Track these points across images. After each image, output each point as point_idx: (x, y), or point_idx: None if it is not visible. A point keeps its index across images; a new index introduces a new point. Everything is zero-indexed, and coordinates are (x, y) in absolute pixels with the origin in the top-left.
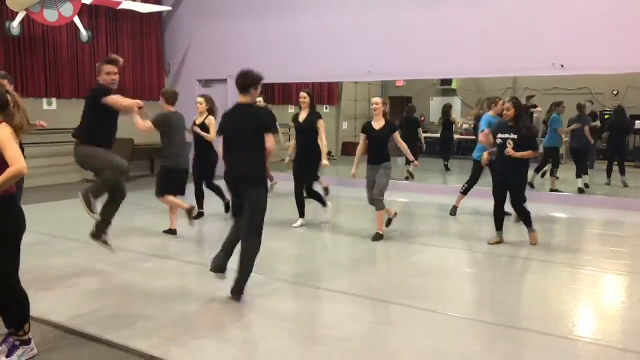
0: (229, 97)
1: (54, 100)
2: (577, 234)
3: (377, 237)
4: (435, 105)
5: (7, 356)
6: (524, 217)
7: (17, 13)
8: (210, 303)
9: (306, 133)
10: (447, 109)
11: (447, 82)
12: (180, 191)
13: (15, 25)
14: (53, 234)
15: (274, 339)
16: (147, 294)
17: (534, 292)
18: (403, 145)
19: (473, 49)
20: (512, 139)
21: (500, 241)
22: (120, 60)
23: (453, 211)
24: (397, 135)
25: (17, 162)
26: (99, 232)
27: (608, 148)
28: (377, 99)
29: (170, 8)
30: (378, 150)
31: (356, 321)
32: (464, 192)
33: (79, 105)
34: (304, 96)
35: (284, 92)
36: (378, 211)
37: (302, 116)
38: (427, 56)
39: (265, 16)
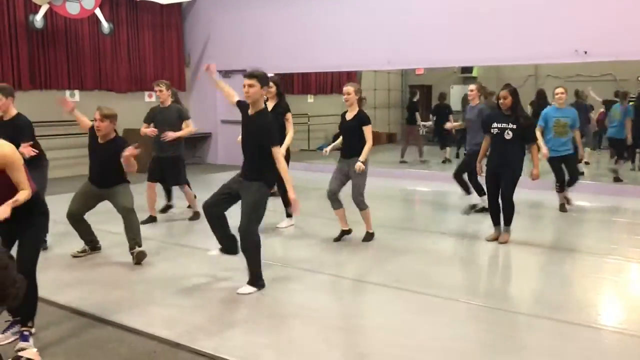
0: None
1: (76, 92)
2: (601, 223)
3: (368, 236)
4: (455, 94)
5: (22, 340)
6: (510, 213)
7: (40, 6)
8: (235, 291)
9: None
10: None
11: (467, 70)
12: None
13: (38, 18)
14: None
15: (303, 329)
16: (172, 282)
17: (557, 281)
18: (368, 144)
19: (494, 36)
20: (511, 129)
21: (498, 237)
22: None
23: (563, 207)
24: (366, 129)
25: (28, 186)
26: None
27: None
28: (349, 88)
29: None
30: (350, 143)
31: (383, 311)
32: (560, 188)
33: (101, 97)
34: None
35: (304, 82)
36: (362, 211)
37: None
38: (447, 44)
39: (285, 6)
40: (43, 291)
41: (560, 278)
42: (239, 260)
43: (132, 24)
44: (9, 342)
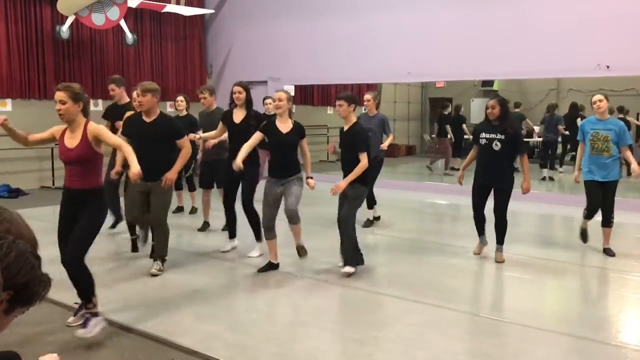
0: None
1: (100, 101)
2: (624, 239)
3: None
4: (476, 107)
5: (83, 327)
6: (503, 229)
7: (67, 17)
8: (253, 301)
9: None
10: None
11: (488, 83)
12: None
13: (65, 29)
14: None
15: (316, 338)
16: (189, 290)
17: (577, 297)
18: (307, 156)
19: (515, 49)
20: (499, 140)
21: (482, 248)
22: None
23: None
24: (304, 142)
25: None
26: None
27: None
28: (281, 94)
29: (213, 11)
30: (285, 160)
31: (396, 322)
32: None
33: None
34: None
35: (323, 94)
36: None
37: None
38: (468, 57)
39: (305, 18)
40: (57, 295)
41: (580, 294)
42: (256, 267)
43: (155, 35)
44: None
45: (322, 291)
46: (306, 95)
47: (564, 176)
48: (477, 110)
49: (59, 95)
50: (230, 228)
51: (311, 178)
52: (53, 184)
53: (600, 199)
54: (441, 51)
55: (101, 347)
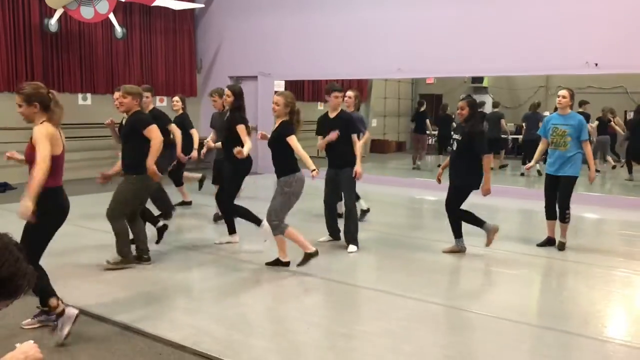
0: (259, 94)
1: (89, 95)
2: (609, 236)
3: (277, 262)
4: None
5: (53, 330)
6: (452, 225)
7: (55, 10)
8: (242, 296)
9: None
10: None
11: (478, 80)
12: None
13: (53, 22)
14: (87, 227)
15: (305, 333)
16: (179, 286)
17: (564, 293)
18: (299, 152)
19: (505, 46)
20: (456, 140)
21: (458, 250)
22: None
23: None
24: (290, 139)
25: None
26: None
27: (628, 146)
28: (278, 99)
29: (202, 5)
30: (273, 160)
31: (383, 316)
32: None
33: (113, 101)
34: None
35: (314, 90)
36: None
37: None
38: (458, 54)
39: (296, 13)
40: None
41: (567, 290)
42: (241, 262)
43: (144, 29)
44: (33, 328)
45: (310, 286)
46: (297, 90)
47: None
48: None
49: (16, 99)
50: (228, 223)
51: (314, 170)
52: None
53: (554, 192)
54: (431, 48)
55: (89, 342)
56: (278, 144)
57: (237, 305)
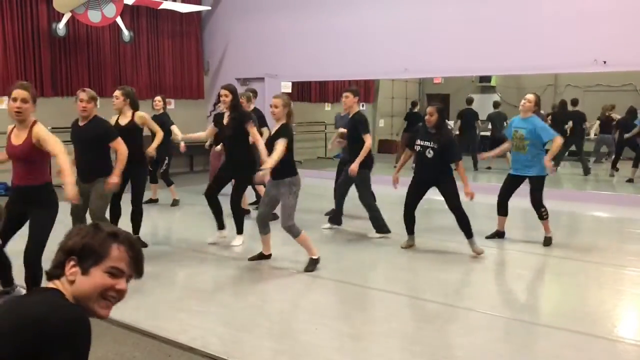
0: (266, 95)
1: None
2: (618, 234)
3: (312, 265)
4: (474, 103)
5: None
6: (464, 224)
7: (63, 14)
8: (248, 296)
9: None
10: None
11: (486, 79)
12: None
13: (61, 26)
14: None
15: (312, 333)
16: (186, 287)
17: (573, 292)
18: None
19: (513, 45)
20: (432, 148)
21: (412, 245)
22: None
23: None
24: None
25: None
26: None
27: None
28: (277, 101)
29: (209, 8)
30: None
31: (392, 317)
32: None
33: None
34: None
35: (321, 91)
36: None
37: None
38: (465, 53)
39: (302, 14)
40: None
41: (576, 288)
42: (252, 264)
43: (152, 32)
44: None
45: (318, 287)
46: (304, 92)
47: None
48: (475, 106)
49: (22, 93)
50: (217, 219)
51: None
52: None
53: (509, 191)
54: (438, 47)
55: (98, 345)
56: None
57: (244, 307)
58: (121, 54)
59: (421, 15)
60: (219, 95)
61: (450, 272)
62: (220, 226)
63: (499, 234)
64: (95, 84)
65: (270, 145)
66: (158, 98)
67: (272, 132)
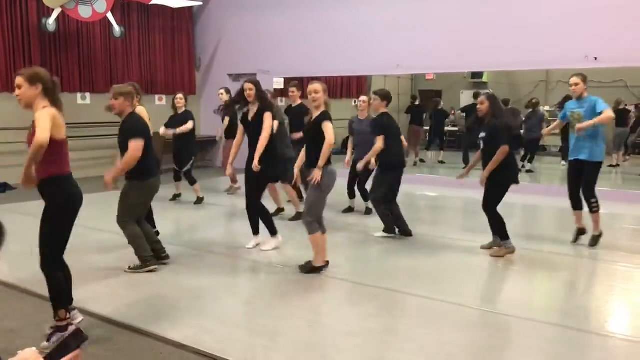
0: None
1: (87, 95)
2: (610, 230)
3: (308, 268)
4: (465, 99)
5: (47, 340)
6: (491, 224)
7: (53, 10)
8: (241, 293)
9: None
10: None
11: (478, 75)
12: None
13: (51, 21)
14: (91, 227)
15: (306, 330)
16: (179, 285)
17: (565, 288)
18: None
19: (504, 41)
20: (482, 139)
21: (510, 252)
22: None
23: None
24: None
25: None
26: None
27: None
28: (317, 86)
29: (201, 3)
30: (314, 152)
31: (386, 314)
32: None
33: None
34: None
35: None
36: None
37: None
38: (457, 49)
39: (295, 10)
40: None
41: (568, 285)
42: (241, 262)
43: (143, 27)
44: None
45: (312, 284)
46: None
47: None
48: (466, 102)
49: (16, 80)
50: (267, 227)
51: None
52: None
53: (575, 180)
54: (430, 43)
55: (90, 342)
56: (318, 134)
57: (237, 304)
58: (112, 50)
59: (413, 12)
60: (242, 90)
61: (445, 269)
62: (272, 233)
63: (581, 232)
64: (85, 80)
65: (309, 134)
66: (180, 96)
67: (312, 119)
